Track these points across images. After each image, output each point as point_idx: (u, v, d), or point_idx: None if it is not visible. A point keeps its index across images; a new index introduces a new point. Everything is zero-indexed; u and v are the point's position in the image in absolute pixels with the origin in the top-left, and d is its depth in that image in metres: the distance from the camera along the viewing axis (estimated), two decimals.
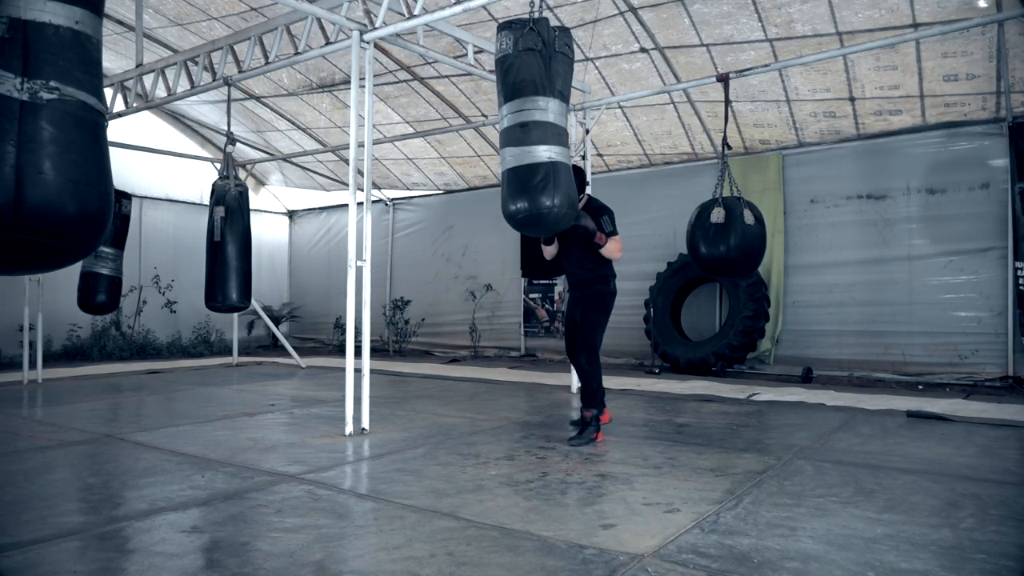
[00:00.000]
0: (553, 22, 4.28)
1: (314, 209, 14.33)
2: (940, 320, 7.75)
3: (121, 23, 8.78)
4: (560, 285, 10.83)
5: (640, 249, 9.53)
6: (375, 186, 12.64)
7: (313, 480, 3.74)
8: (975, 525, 2.98)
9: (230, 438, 4.88)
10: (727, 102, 5.93)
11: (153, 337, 11.70)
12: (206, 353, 11.99)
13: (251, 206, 6.84)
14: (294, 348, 10.70)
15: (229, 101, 6.93)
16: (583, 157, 7.42)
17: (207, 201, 7.09)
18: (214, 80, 6.68)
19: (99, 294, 7.65)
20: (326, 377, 8.71)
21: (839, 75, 7.45)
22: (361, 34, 5.25)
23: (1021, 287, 7.19)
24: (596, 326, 4.76)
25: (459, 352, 11.77)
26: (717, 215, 5.46)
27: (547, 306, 11.07)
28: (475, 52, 6.23)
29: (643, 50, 7.74)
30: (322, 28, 5.86)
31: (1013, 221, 7.26)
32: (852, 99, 7.76)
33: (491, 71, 7.38)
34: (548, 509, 3.23)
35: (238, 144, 10.97)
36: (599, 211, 4.77)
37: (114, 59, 9.67)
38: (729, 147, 6.17)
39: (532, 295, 11.20)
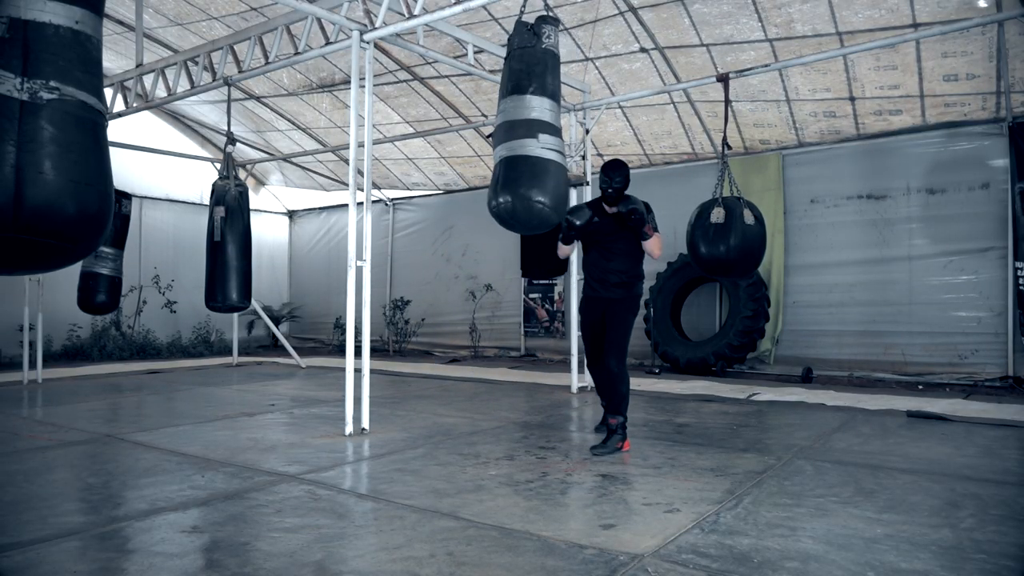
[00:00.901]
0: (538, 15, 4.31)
1: (314, 209, 14.33)
2: (940, 320, 7.75)
3: (121, 23, 8.78)
4: (560, 285, 10.83)
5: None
6: (375, 186, 12.64)
7: (313, 480, 3.74)
8: (975, 525, 2.98)
9: (230, 438, 4.88)
10: (727, 102, 5.93)
11: (153, 337, 11.70)
12: (206, 353, 11.99)
13: (251, 206, 6.85)
14: (294, 348, 10.70)
15: (229, 101, 6.93)
16: (583, 157, 7.42)
17: (207, 201, 7.09)
18: (214, 80, 6.68)
19: (99, 294, 7.65)
20: (326, 377, 8.71)
21: (839, 75, 7.45)
22: (361, 34, 5.25)
23: (1021, 287, 7.19)
24: (624, 329, 4.50)
25: (459, 352, 11.77)
26: (717, 215, 5.46)
27: (547, 306, 11.06)
28: (475, 52, 6.23)
29: (643, 50, 7.74)
30: (322, 28, 5.86)
31: (1013, 221, 7.26)
32: (852, 99, 7.76)
33: (491, 71, 7.39)
34: (548, 509, 3.23)
35: (238, 144, 10.97)
36: (643, 209, 4.52)
37: (114, 59, 9.67)
38: (729, 147, 6.17)
39: (532, 295, 11.20)
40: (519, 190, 4.03)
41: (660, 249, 4.52)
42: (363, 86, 5.26)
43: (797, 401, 6.43)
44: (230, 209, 6.34)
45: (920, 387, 7.44)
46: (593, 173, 7.88)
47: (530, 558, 2.61)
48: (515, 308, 11.37)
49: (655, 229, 4.45)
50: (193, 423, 5.47)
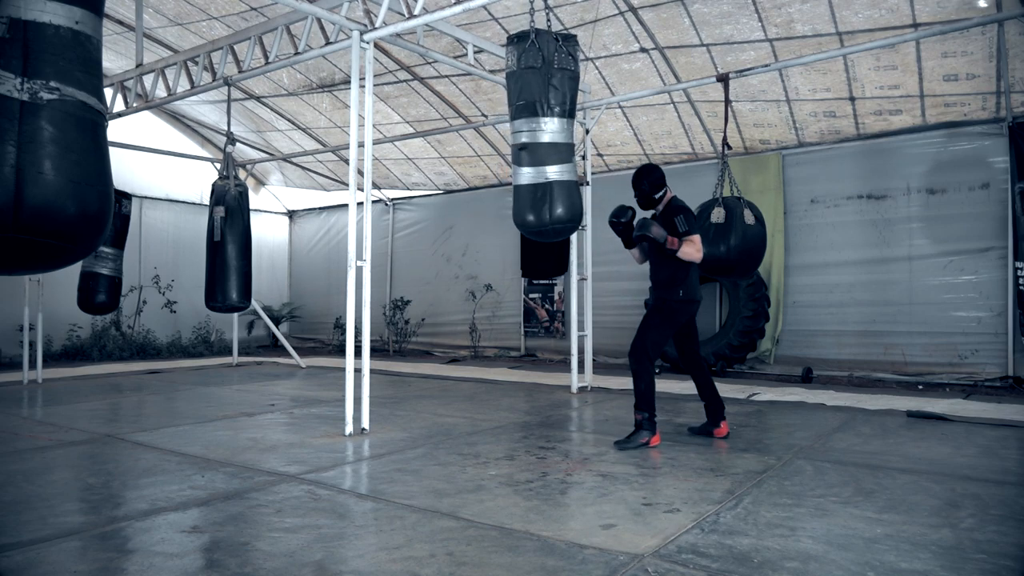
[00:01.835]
0: (553, 22, 4.31)
1: (314, 209, 14.33)
2: (940, 320, 7.75)
3: (121, 23, 8.78)
4: (560, 285, 10.83)
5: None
6: (375, 186, 12.64)
7: (313, 480, 3.74)
8: (975, 525, 2.98)
9: (230, 438, 4.88)
10: (727, 102, 5.93)
11: (153, 337, 11.70)
12: (206, 353, 11.99)
13: (251, 206, 6.85)
14: (294, 348, 10.70)
15: (229, 101, 6.93)
16: (583, 157, 7.42)
17: (207, 201, 7.09)
18: (214, 80, 6.68)
19: (99, 294, 7.65)
20: (326, 377, 8.71)
21: (839, 75, 7.45)
22: (361, 34, 5.25)
23: (1021, 287, 7.19)
24: (648, 328, 4.62)
25: (459, 352, 11.77)
26: (717, 215, 5.46)
27: (547, 306, 11.06)
28: (475, 52, 6.23)
29: (643, 50, 7.74)
30: (322, 28, 5.86)
31: (1013, 221, 7.26)
32: (852, 99, 7.76)
33: (491, 71, 7.40)
34: (548, 509, 3.23)
35: (238, 144, 10.98)
36: (675, 211, 4.64)
37: (114, 59, 9.67)
38: (729, 147, 6.17)
39: (532, 295, 11.20)
40: (565, 213, 4.45)
41: (699, 252, 4.54)
42: (363, 86, 5.26)
43: (797, 401, 6.43)
44: (230, 209, 6.34)
45: (920, 387, 7.44)
46: (593, 173, 7.89)
47: (530, 558, 2.62)
48: (515, 308, 11.38)
49: (685, 234, 4.54)
50: (193, 423, 5.47)
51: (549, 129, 4.38)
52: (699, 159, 9.49)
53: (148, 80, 7.43)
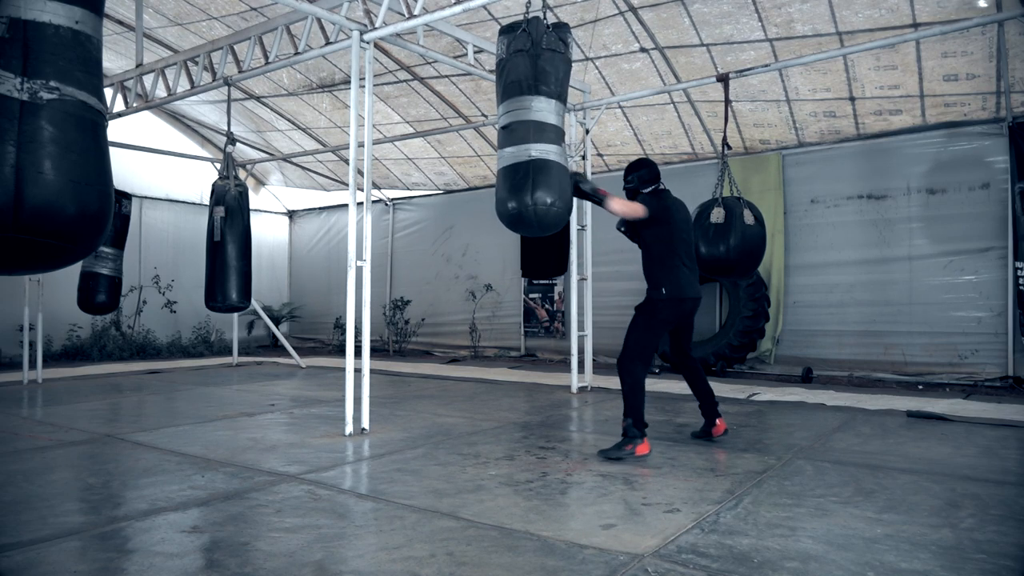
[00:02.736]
0: (553, 22, 4.30)
1: (314, 209, 14.33)
2: (940, 320, 7.74)
3: (121, 23, 8.78)
4: (560, 285, 10.83)
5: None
6: (375, 186, 12.64)
7: (313, 480, 3.74)
8: (975, 525, 2.98)
9: (230, 438, 4.88)
10: (727, 102, 5.93)
11: (153, 337, 11.70)
12: (206, 353, 11.98)
13: (251, 206, 6.84)
14: (294, 348, 10.70)
15: (229, 101, 6.93)
16: (583, 157, 7.42)
17: (207, 201, 7.09)
18: (214, 80, 6.68)
19: (99, 294, 7.65)
20: (326, 377, 8.71)
21: (839, 75, 7.45)
22: (361, 34, 5.25)
23: (1021, 287, 7.19)
24: (633, 328, 4.43)
25: (459, 352, 11.77)
26: (717, 215, 5.46)
27: (547, 306, 11.06)
28: (475, 52, 6.23)
29: (643, 50, 7.74)
30: (322, 28, 5.86)
31: (1013, 221, 7.26)
32: (852, 99, 7.76)
33: (491, 71, 7.39)
34: (548, 509, 3.23)
35: (238, 144, 10.98)
36: (640, 194, 4.55)
37: (114, 59, 9.67)
38: (729, 147, 6.17)
39: (532, 295, 11.20)
40: (548, 195, 3.97)
41: (626, 208, 4.36)
42: (363, 86, 5.26)
43: (797, 401, 6.43)
44: (230, 209, 6.34)
45: (920, 387, 7.44)
46: (593, 174, 7.89)
47: (530, 558, 2.61)
48: (515, 308, 11.37)
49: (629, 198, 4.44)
50: (193, 423, 5.47)
51: (536, 107, 4.01)
52: (699, 159, 9.49)
53: (148, 80, 7.43)
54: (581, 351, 7.44)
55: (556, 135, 4.07)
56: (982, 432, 5.01)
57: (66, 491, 3.59)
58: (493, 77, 6.68)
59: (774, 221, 8.40)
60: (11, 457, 4.28)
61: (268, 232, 14.09)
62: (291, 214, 14.72)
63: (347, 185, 6.96)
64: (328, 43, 5.76)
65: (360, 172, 5.27)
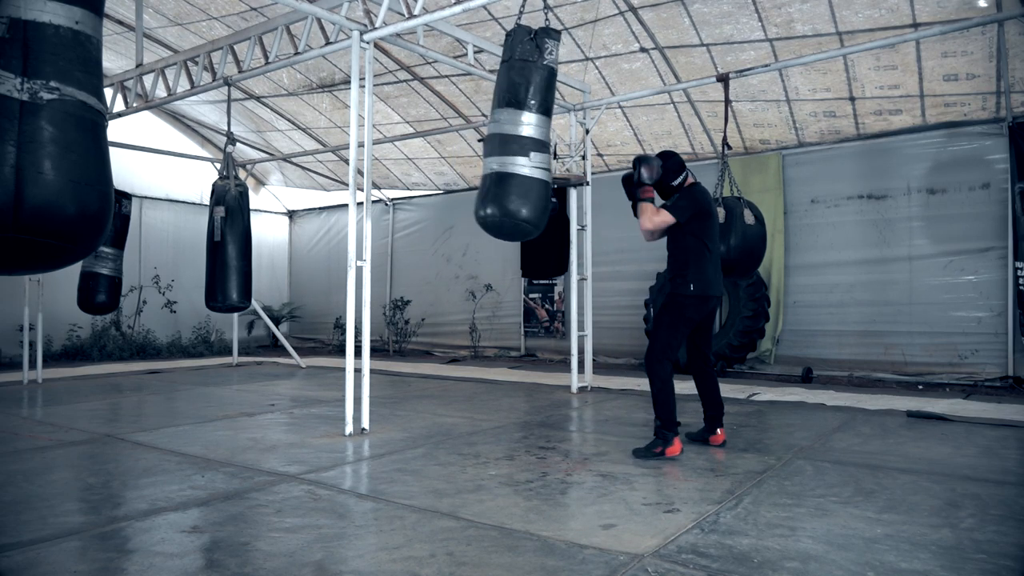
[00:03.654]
0: (553, 22, 4.31)
1: (314, 209, 14.33)
2: (940, 320, 7.75)
3: (121, 23, 8.78)
4: (560, 285, 10.83)
5: (640, 249, 9.49)
6: (375, 186, 12.64)
7: (313, 480, 3.74)
8: (975, 525, 2.98)
9: (230, 438, 4.88)
10: (727, 102, 5.93)
11: (153, 337, 11.70)
12: (206, 353, 11.98)
13: (251, 206, 6.84)
14: (294, 348, 10.70)
15: (229, 101, 6.93)
16: (583, 157, 7.42)
17: (207, 201, 7.09)
18: (214, 80, 6.68)
19: (99, 294, 7.65)
20: (326, 377, 8.71)
21: (839, 75, 7.45)
22: (361, 34, 5.25)
23: (1021, 287, 7.19)
24: (659, 326, 4.42)
25: (459, 352, 11.77)
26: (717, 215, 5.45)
27: (547, 306, 11.06)
28: (475, 52, 6.23)
29: (643, 50, 7.74)
30: (322, 28, 5.86)
31: (1013, 221, 7.26)
32: (852, 99, 7.76)
33: (491, 71, 7.39)
34: (548, 509, 3.23)
35: (238, 144, 10.97)
36: (677, 193, 4.64)
37: (114, 59, 9.67)
38: (729, 147, 6.17)
39: (532, 295, 11.20)
40: (508, 206, 4.26)
41: (650, 222, 4.43)
42: (363, 86, 5.26)
43: (797, 401, 6.43)
44: (230, 209, 6.34)
45: (920, 387, 7.44)
46: (593, 173, 7.88)
47: (530, 558, 2.61)
48: (515, 308, 11.37)
49: (665, 207, 4.50)
50: (193, 423, 5.47)
51: (502, 119, 4.28)
52: (699, 159, 9.49)
53: (148, 80, 7.42)
54: (581, 351, 7.44)
55: (523, 146, 4.21)
56: (982, 432, 5.01)
57: (66, 491, 3.59)
58: (493, 77, 6.69)
59: (774, 221, 8.40)
60: (11, 457, 4.28)
61: (268, 232, 14.09)
62: (291, 214, 14.72)
63: (347, 185, 6.96)
64: (328, 43, 5.76)
65: (360, 172, 5.27)
